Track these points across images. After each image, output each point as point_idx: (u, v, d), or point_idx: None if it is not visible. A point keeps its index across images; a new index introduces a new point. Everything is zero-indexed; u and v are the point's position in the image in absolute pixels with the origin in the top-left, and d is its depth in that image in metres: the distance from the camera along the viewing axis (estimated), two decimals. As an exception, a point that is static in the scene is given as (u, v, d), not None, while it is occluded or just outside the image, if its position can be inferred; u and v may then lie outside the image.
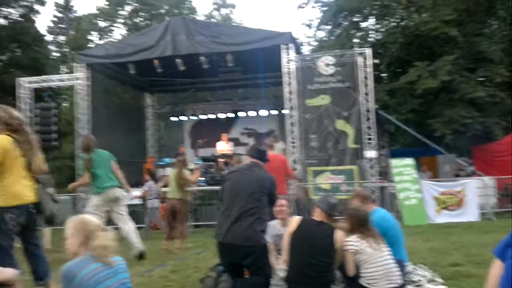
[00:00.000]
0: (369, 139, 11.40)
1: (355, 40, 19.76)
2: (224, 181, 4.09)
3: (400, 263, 3.98)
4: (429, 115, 16.27)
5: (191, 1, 34.46)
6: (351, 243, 3.69)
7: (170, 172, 8.02)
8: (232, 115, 16.34)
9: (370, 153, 11.19)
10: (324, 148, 11.46)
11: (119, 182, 6.53)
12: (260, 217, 3.74)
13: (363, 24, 20.73)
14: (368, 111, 11.46)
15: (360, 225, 3.76)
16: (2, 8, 26.23)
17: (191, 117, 16.83)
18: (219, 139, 13.73)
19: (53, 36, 36.67)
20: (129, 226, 6.51)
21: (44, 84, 13.81)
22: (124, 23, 31.97)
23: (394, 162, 11.06)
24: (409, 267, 4.37)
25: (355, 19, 20.40)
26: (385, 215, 4.39)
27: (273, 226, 4.69)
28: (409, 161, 10.93)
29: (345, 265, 3.72)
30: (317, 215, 3.87)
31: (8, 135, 3.89)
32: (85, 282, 2.34)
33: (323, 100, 11.63)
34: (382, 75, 20.13)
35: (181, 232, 7.64)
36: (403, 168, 10.73)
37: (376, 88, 14.90)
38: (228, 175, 4.20)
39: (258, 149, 4.20)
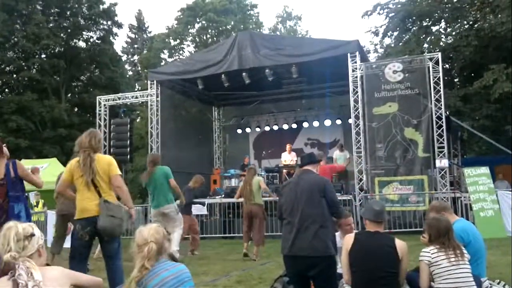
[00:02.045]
0: (440, 147, 10.83)
1: (425, 46, 18.99)
2: (280, 198, 4.06)
3: (477, 279, 3.69)
4: (506, 121, 15.17)
5: (257, 15, 35.12)
6: (427, 253, 3.49)
7: (242, 182, 8.29)
8: (295, 125, 16.27)
9: (442, 162, 10.61)
10: (392, 157, 11.04)
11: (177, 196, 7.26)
12: (323, 225, 3.65)
13: (434, 28, 19.90)
14: (439, 118, 10.91)
15: (441, 235, 3.53)
16: (83, 32, 28.29)
17: (256, 129, 16.98)
18: (283, 150, 13.72)
19: (127, 55, 38.95)
20: (173, 236, 6.83)
21: (120, 101, 14.62)
22: (192, 40, 33.18)
23: (468, 171, 10.38)
24: (486, 283, 4.05)
25: (425, 24, 19.63)
26: (467, 226, 4.12)
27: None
28: (484, 169, 10.21)
29: (420, 276, 3.51)
30: (369, 226, 3.70)
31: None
32: None
33: (391, 108, 11.23)
34: (454, 80, 19.13)
35: (257, 239, 7.78)
36: (478, 177, 10.05)
37: (448, 94, 14.18)
38: (282, 190, 4.15)
39: (305, 155, 4.13)
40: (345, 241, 3.68)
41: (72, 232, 4.63)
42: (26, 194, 4.69)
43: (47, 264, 2.31)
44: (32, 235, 2.16)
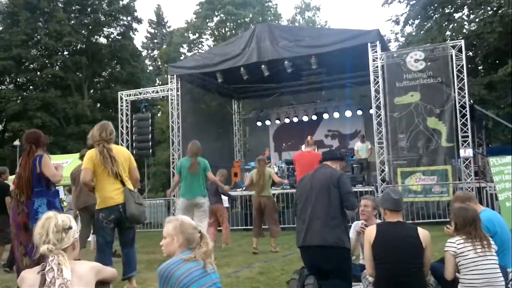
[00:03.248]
0: (465, 136, 10.62)
1: (447, 33, 18.59)
2: (296, 192, 4.09)
3: (504, 270, 3.60)
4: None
5: (275, 7, 34.91)
6: (452, 244, 3.40)
7: (253, 172, 8.15)
8: (315, 117, 16.17)
9: (466, 152, 10.41)
10: (414, 147, 10.88)
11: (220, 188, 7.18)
12: (334, 216, 3.63)
13: (456, 15, 19.44)
14: (462, 107, 10.68)
15: (467, 225, 3.42)
16: (103, 29, 28.65)
17: (276, 121, 16.94)
18: (303, 142, 13.61)
19: (147, 51, 39.28)
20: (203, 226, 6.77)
21: (141, 96, 14.77)
22: (211, 34, 33.23)
23: (493, 160, 10.10)
24: (512, 274, 3.95)
25: (447, 11, 19.19)
26: (494, 216, 4.01)
27: (356, 223, 4.54)
28: (510, 159, 9.94)
29: (445, 267, 3.44)
30: (389, 216, 3.63)
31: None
32: (181, 281, 2.41)
33: (413, 97, 11.07)
34: (478, 67, 18.67)
35: (274, 232, 7.73)
36: (504, 167, 9.76)
37: (471, 82, 13.86)
38: (298, 183, 4.15)
39: (326, 151, 4.14)
40: (367, 233, 3.62)
41: (95, 222, 4.71)
42: (57, 188, 4.70)
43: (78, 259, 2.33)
44: (70, 227, 2.17)
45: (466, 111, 10.70)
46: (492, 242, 3.45)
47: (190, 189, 6.74)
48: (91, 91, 29.00)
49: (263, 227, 7.91)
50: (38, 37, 26.40)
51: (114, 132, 4.61)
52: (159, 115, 28.18)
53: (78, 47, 27.43)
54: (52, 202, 4.53)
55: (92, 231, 6.96)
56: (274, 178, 8.09)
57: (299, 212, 3.84)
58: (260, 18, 30.54)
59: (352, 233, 4.40)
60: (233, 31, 31.48)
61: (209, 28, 33.03)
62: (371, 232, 3.56)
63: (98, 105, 29.21)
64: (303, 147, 13.26)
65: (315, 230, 3.62)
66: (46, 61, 26.54)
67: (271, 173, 8.02)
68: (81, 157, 7.34)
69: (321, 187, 3.73)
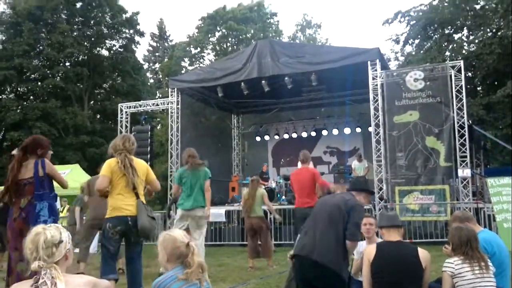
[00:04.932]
0: (463, 156, 10.65)
1: (447, 53, 18.76)
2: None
3: (501, 293, 3.58)
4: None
5: (277, 24, 35.24)
6: (450, 264, 3.38)
7: (244, 192, 8.10)
8: (314, 133, 16.22)
9: (464, 172, 10.42)
10: (413, 166, 10.89)
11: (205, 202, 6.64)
12: (338, 241, 3.49)
13: (456, 36, 19.65)
14: (461, 127, 10.73)
15: (463, 244, 3.40)
16: (106, 41, 28.84)
17: (275, 137, 16.97)
18: (302, 158, 13.64)
19: (148, 64, 39.49)
20: (198, 242, 6.52)
21: (141, 109, 14.81)
22: (213, 49, 33.47)
23: (491, 181, 10.13)
24: (510, 296, 3.92)
25: (447, 31, 19.40)
26: (492, 237, 3.98)
27: (361, 245, 4.50)
28: (508, 180, 9.94)
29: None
30: (387, 235, 3.61)
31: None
32: None
33: (412, 116, 11.11)
34: (477, 88, 18.79)
35: (266, 253, 7.65)
36: (502, 188, 9.79)
37: (470, 103, 13.93)
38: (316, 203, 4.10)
39: (355, 179, 4.08)
40: (367, 251, 3.59)
41: (102, 232, 4.66)
42: (55, 193, 4.69)
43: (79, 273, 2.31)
44: (60, 241, 2.14)
45: (464, 131, 10.73)
46: (490, 263, 3.44)
47: (190, 198, 6.44)
48: (91, 102, 29.06)
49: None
50: (41, 47, 26.55)
51: (135, 143, 4.65)
52: (158, 127, 28.20)
53: (80, 58, 27.57)
54: (52, 205, 4.55)
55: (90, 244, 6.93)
56: (266, 201, 7.96)
57: (307, 228, 3.73)
58: (262, 34, 30.83)
59: (357, 254, 4.36)
60: (235, 47, 31.73)
61: (210, 43, 33.29)
62: (370, 250, 3.54)
63: (98, 116, 29.24)
64: (299, 164, 13.30)
65: (314, 244, 3.53)
66: (48, 72, 26.64)
67: (263, 195, 7.91)
68: (82, 191, 7.42)
69: (332, 209, 3.61)
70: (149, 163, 14.23)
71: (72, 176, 12.98)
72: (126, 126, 14.41)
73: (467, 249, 3.39)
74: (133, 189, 4.35)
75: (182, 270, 2.50)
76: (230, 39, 32.64)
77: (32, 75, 26.99)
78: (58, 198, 11.19)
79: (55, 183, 4.63)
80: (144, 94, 28.61)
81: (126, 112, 14.58)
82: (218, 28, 32.32)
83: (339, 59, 11.85)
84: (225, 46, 32.74)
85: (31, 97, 27.61)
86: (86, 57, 27.66)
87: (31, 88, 26.99)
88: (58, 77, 26.68)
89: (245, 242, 11.19)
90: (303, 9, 74.67)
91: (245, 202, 7.90)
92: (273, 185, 13.38)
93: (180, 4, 64.08)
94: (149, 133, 14.31)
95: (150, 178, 4.57)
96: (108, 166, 4.41)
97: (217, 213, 11.10)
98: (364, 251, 3.68)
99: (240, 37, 32.19)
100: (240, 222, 11.91)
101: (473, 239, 3.45)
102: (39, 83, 26.54)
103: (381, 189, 11.10)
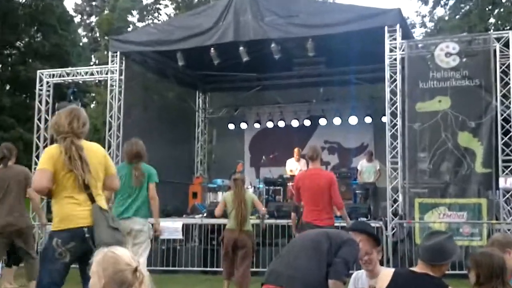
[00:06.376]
0: (507, 161, 10.86)
1: (491, 21, 19.10)
2: None
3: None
4: None
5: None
6: None
7: (227, 195, 8.12)
8: (309, 122, 16.31)
9: (507, 182, 10.64)
10: (439, 172, 11.07)
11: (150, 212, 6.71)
12: (319, 276, 3.63)
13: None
14: (506, 120, 10.95)
15: (492, 276, 3.45)
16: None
17: (254, 125, 17.01)
18: (290, 156, 13.73)
19: (81, 16, 38.96)
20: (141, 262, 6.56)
21: (69, 78, 14.59)
22: (173, 0, 33.22)
23: (544, 195, 10.44)
24: None
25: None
26: None
27: (359, 278, 4.56)
28: None
29: None
30: (419, 266, 3.70)
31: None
32: None
33: (441, 103, 11.26)
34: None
35: (240, 278, 7.76)
36: (558, 204, 10.10)
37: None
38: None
39: (358, 221, 4.16)
40: (380, 278, 3.70)
41: (43, 250, 4.57)
42: None
43: None
44: None
45: (510, 126, 10.95)
46: None
47: (128, 206, 6.49)
48: (-1, 66, 28.62)
49: None
50: None
51: (88, 123, 4.46)
52: (92, 106, 27.94)
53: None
54: None
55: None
56: (258, 206, 8.07)
57: (284, 248, 3.93)
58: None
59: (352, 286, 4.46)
60: (203, -1, 31.60)
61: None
62: (385, 278, 3.61)
63: (8, 87, 28.77)
64: (298, 164, 13.35)
65: (289, 274, 3.65)
66: None
67: (254, 200, 8.04)
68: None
69: (318, 236, 3.80)
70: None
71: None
72: (47, 102, 14.19)
73: (497, 283, 3.45)
74: (85, 188, 4.21)
75: None
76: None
77: None
78: None
79: None
80: (73, 58, 28.27)
81: (47, 82, 14.35)
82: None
83: (345, 21, 11.86)
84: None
85: None
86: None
87: None
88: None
89: (208, 269, 11.27)
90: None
91: (235, 210, 7.82)
92: (250, 190, 13.42)
93: None
94: (80, 113, 14.15)
95: (109, 172, 4.43)
96: (49, 156, 4.23)
97: (172, 227, 11.08)
98: (378, 278, 3.77)
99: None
100: (203, 240, 11.93)
101: (504, 269, 3.51)
102: None
103: (395, 201, 11.26)
